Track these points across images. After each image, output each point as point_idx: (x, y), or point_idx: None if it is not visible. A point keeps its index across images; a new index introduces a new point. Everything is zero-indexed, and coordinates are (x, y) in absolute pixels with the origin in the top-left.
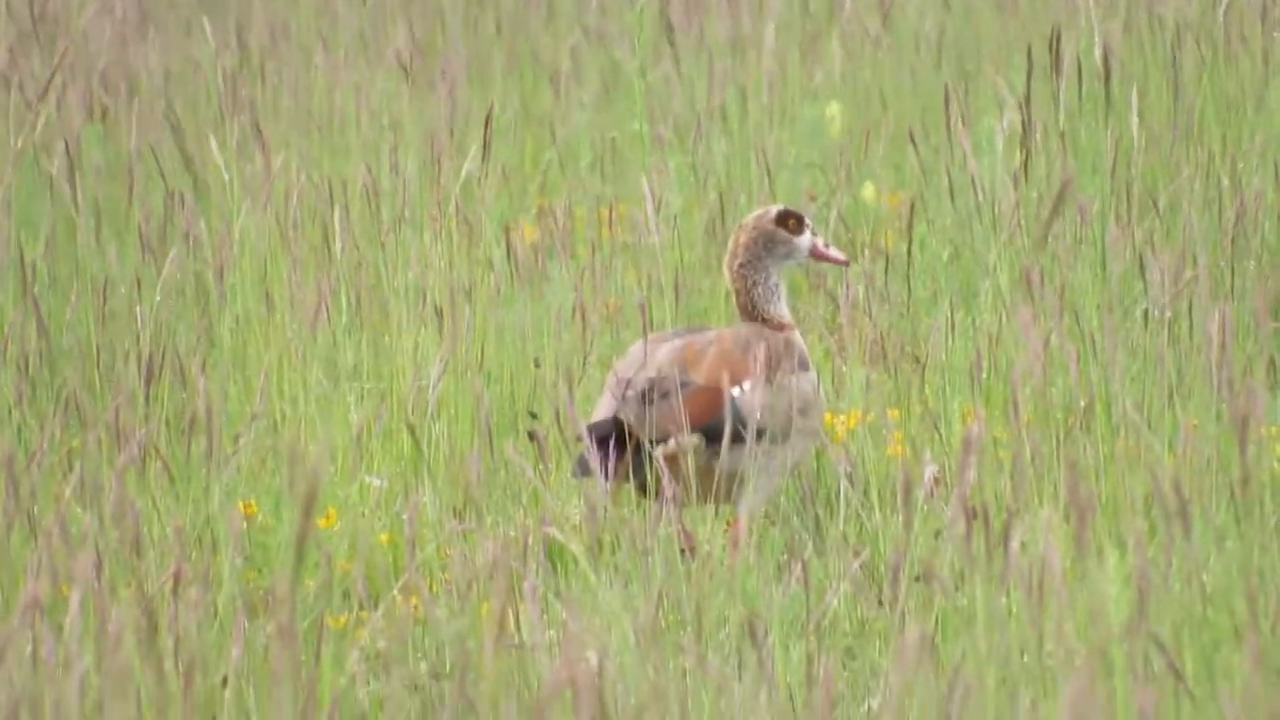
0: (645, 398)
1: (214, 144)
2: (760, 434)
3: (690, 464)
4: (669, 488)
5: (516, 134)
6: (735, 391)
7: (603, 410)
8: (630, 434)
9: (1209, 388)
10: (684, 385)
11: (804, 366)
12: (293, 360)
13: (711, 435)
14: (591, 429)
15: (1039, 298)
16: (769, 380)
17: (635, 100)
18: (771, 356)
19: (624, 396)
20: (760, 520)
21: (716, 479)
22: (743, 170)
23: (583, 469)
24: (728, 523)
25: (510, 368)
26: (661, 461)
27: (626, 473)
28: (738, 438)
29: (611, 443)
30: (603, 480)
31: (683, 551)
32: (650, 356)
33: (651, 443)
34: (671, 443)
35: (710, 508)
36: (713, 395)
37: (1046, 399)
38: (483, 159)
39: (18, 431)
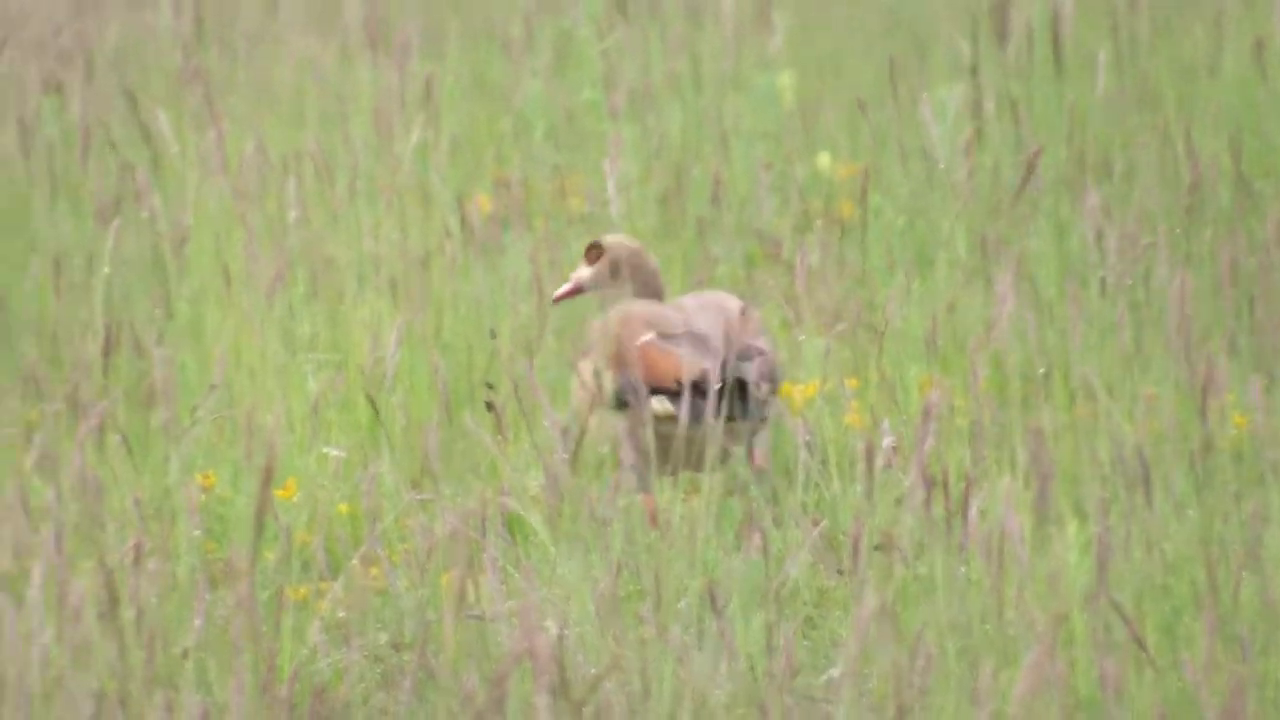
0: (745, 355)
1: (162, 117)
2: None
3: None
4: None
5: (470, 104)
6: (766, 348)
7: (692, 363)
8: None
9: (1168, 355)
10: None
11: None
12: (250, 331)
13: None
14: (707, 378)
15: (996, 265)
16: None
17: (588, 68)
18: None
19: (726, 355)
20: (718, 491)
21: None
22: (698, 140)
23: (695, 414)
24: (685, 492)
25: (467, 338)
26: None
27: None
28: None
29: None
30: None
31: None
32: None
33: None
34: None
35: (670, 479)
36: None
37: (1005, 367)
38: (432, 127)
39: None
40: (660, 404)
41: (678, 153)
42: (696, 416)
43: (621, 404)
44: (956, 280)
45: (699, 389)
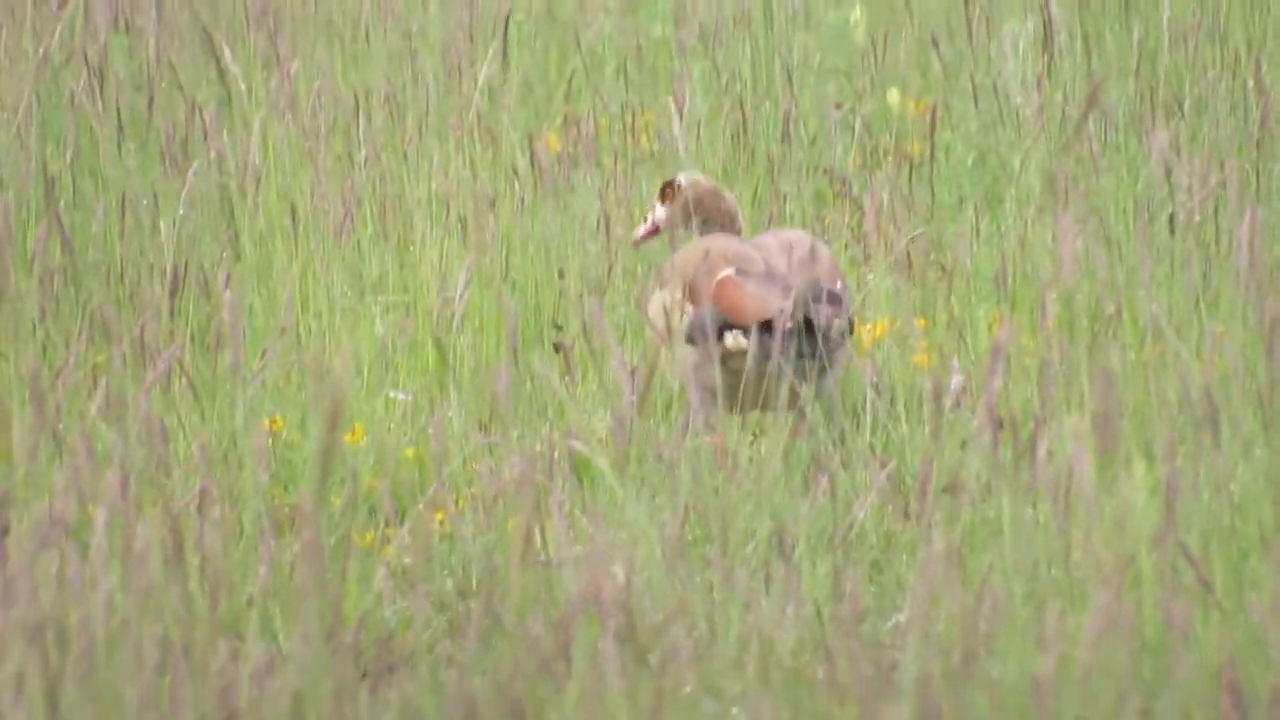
0: (816, 297)
1: (228, 55)
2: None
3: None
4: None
5: (540, 41)
6: (840, 287)
7: (772, 300)
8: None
9: (1237, 292)
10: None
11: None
12: (317, 273)
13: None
14: (787, 317)
15: (1065, 203)
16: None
17: (659, 4)
18: (820, 252)
19: (801, 293)
20: (786, 433)
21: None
22: (767, 76)
23: (764, 353)
24: (753, 434)
25: (536, 279)
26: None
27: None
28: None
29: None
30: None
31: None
32: (762, 254)
33: (824, 336)
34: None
35: (738, 419)
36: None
37: (1073, 305)
38: (501, 66)
39: (42, 348)
40: (734, 339)
41: (747, 89)
42: (766, 354)
43: (694, 339)
44: (1026, 217)
45: (769, 327)
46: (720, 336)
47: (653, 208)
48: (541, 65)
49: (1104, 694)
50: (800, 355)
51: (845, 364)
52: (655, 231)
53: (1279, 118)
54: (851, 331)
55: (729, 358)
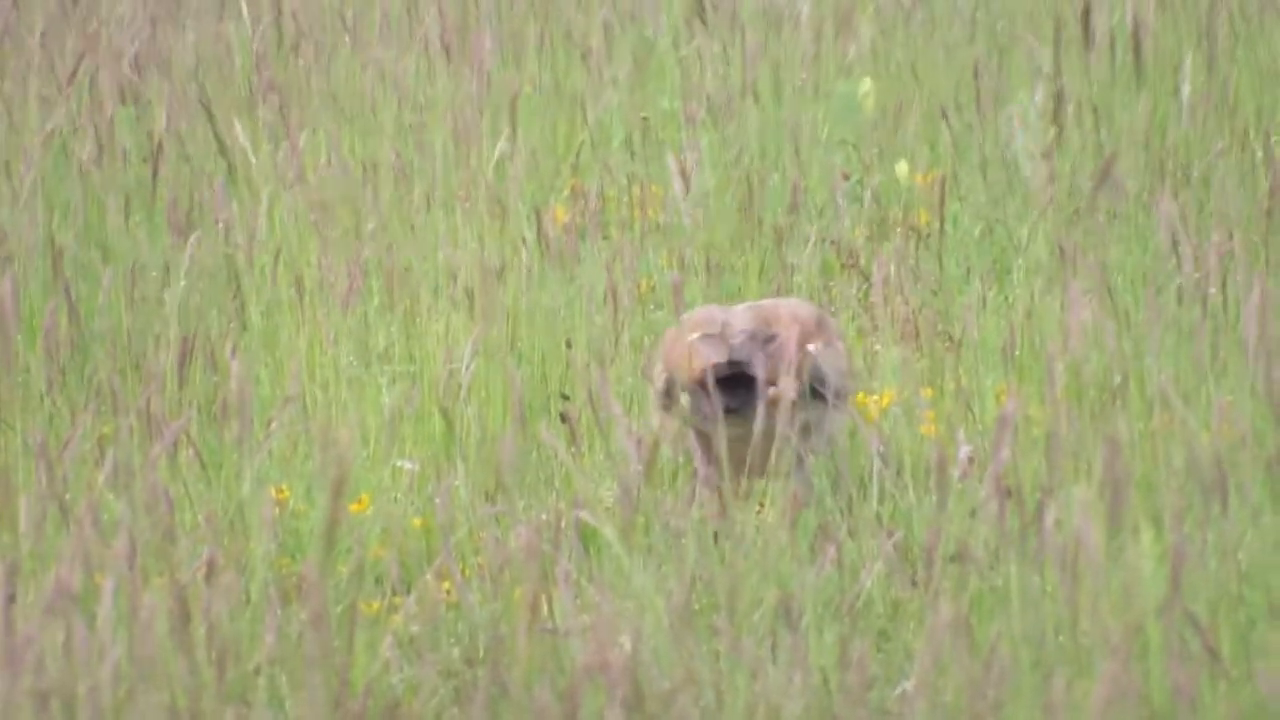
0: (755, 341)
1: (238, 126)
2: (828, 394)
3: (761, 423)
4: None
5: (548, 113)
6: (811, 348)
7: (709, 355)
8: (742, 377)
9: (1245, 362)
10: (770, 339)
11: (840, 338)
12: (324, 343)
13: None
14: (713, 369)
15: (1074, 273)
16: (829, 344)
17: (667, 77)
18: (826, 321)
19: (733, 343)
20: (792, 502)
21: (770, 441)
22: (776, 148)
23: (701, 414)
24: (760, 503)
25: (542, 349)
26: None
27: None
28: (807, 396)
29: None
30: (719, 420)
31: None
32: (728, 316)
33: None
34: (781, 386)
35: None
36: (801, 352)
37: (1081, 375)
38: (510, 137)
39: (49, 419)
40: (684, 399)
41: (755, 161)
42: (702, 413)
43: (666, 405)
44: (1034, 288)
45: (721, 383)
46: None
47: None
48: (550, 138)
49: None
50: (728, 410)
51: (833, 428)
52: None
53: None
54: (821, 388)
55: (720, 424)
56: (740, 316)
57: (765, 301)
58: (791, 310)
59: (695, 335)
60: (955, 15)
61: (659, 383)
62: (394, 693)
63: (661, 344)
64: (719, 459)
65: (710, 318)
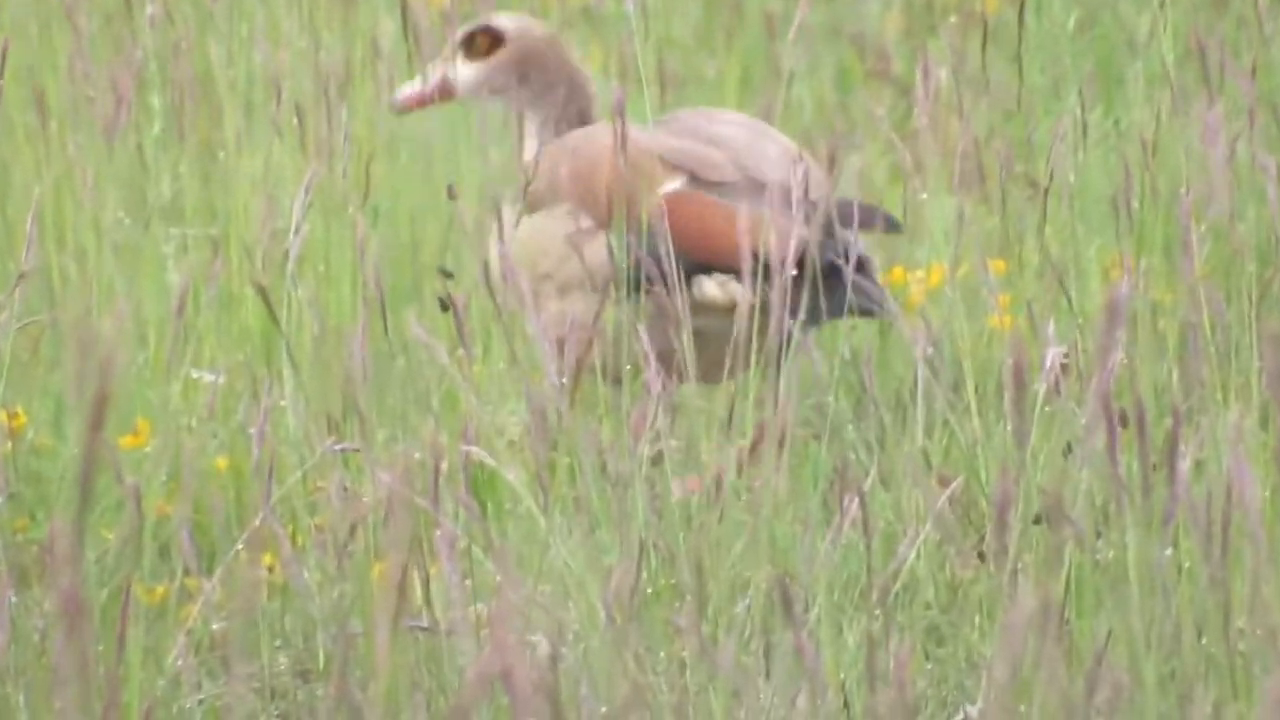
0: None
1: None
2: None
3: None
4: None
5: None
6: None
7: (796, 231)
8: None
9: None
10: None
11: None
12: (79, 191)
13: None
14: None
15: (1219, 87)
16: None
17: None
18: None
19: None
20: (799, 432)
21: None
22: None
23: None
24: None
25: (411, 202)
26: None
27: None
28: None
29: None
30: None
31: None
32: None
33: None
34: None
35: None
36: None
37: (1233, 239)
38: None
39: None
40: (717, 287)
41: None
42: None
43: (637, 289)
44: (1158, 108)
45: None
46: (689, 284)
47: (442, 61)
48: None
49: None
50: (817, 316)
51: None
52: (441, 95)
53: None
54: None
55: (704, 313)
56: (750, 152)
57: (723, 116)
58: (765, 132)
59: (684, 182)
60: None
61: (634, 255)
62: None
63: (566, 181)
64: (679, 363)
65: (695, 152)
